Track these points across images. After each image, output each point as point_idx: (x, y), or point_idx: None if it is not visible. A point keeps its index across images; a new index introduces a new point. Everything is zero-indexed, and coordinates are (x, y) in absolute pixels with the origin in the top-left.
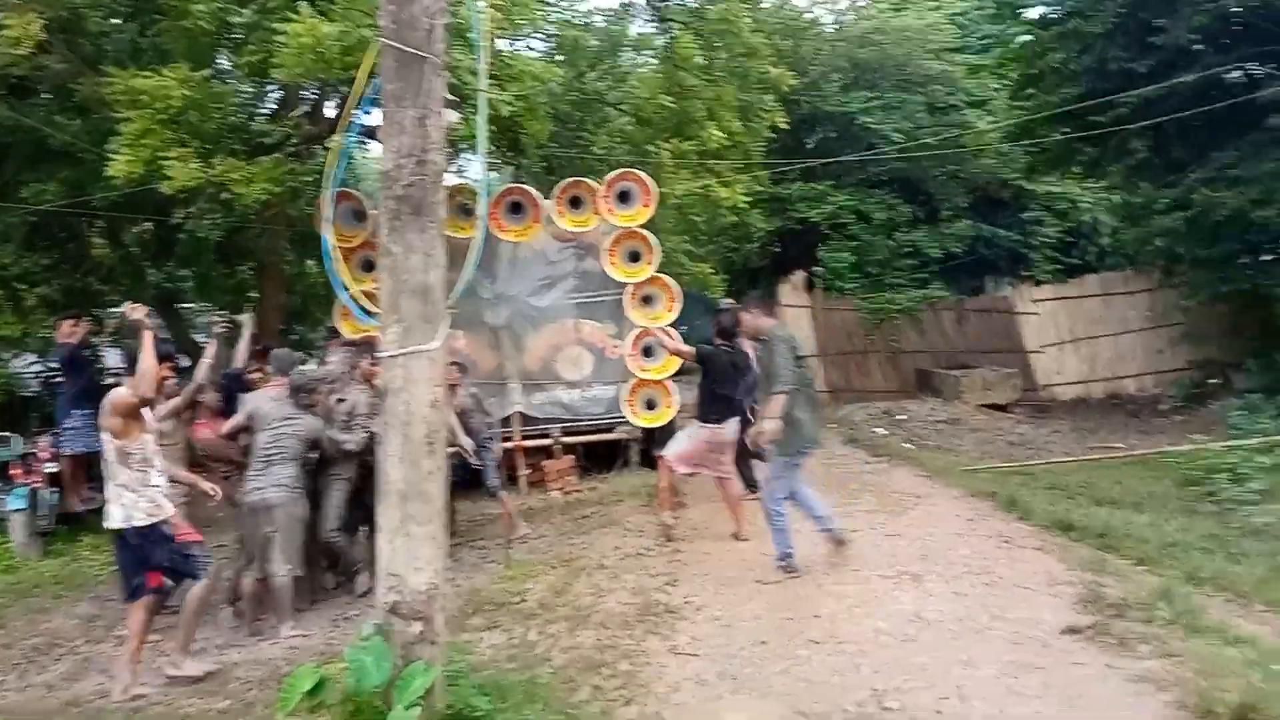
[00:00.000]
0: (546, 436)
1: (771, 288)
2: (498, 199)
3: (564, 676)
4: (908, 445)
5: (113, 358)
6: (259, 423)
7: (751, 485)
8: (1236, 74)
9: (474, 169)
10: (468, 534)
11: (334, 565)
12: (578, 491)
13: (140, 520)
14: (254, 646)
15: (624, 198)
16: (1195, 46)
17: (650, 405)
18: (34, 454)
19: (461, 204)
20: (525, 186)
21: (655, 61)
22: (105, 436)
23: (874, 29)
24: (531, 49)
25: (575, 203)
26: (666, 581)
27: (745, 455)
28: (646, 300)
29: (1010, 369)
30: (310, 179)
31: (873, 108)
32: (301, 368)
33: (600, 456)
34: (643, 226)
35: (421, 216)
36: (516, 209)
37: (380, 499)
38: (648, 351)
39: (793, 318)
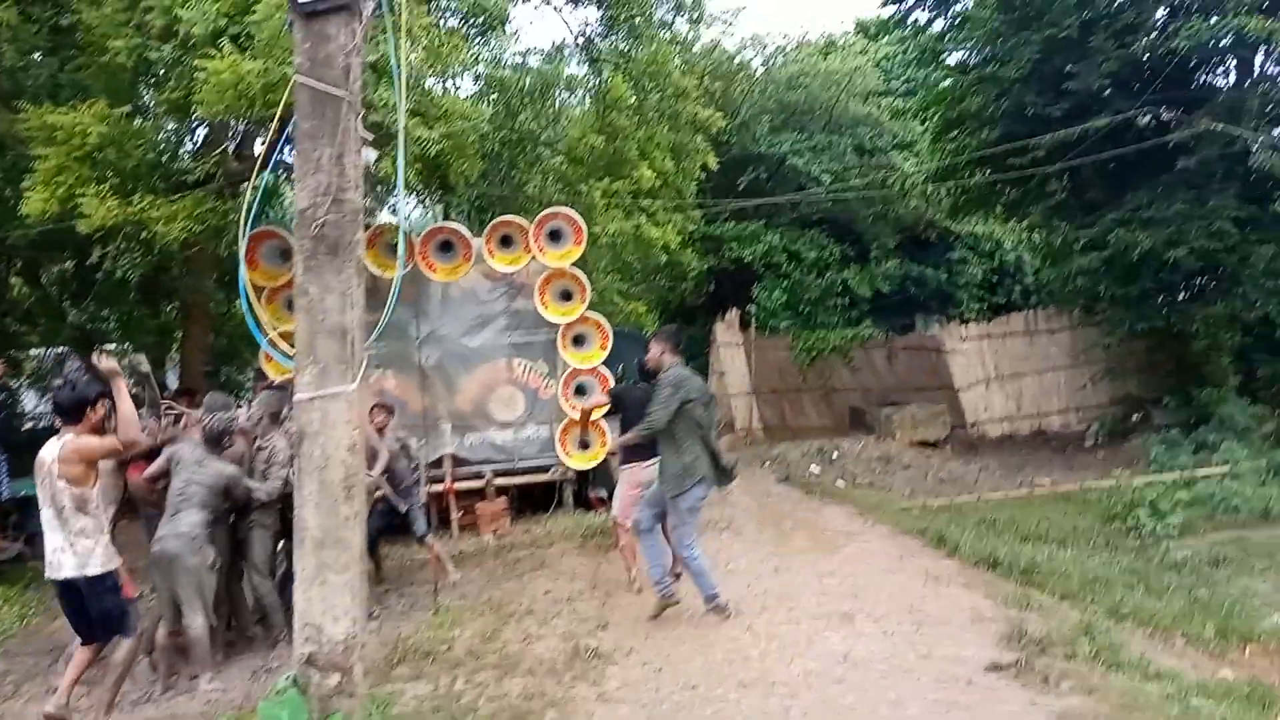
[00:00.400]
0: (479, 478)
1: (708, 326)
2: (427, 238)
3: None
4: (840, 483)
5: (31, 401)
6: (175, 469)
7: None
8: (1147, 118)
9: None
10: (397, 580)
11: (263, 617)
12: (510, 534)
13: (95, 569)
14: (168, 701)
15: (555, 237)
16: (1106, 92)
17: (584, 445)
18: None
19: (390, 243)
20: (455, 225)
21: (588, 102)
22: (62, 485)
23: (801, 72)
24: (458, 89)
25: (506, 241)
26: (597, 626)
27: None
28: (578, 340)
29: (939, 406)
30: (234, 217)
31: (802, 149)
32: (223, 414)
33: (535, 498)
34: (574, 265)
35: (338, 256)
36: (446, 248)
37: (296, 546)
38: (580, 391)
39: (727, 356)
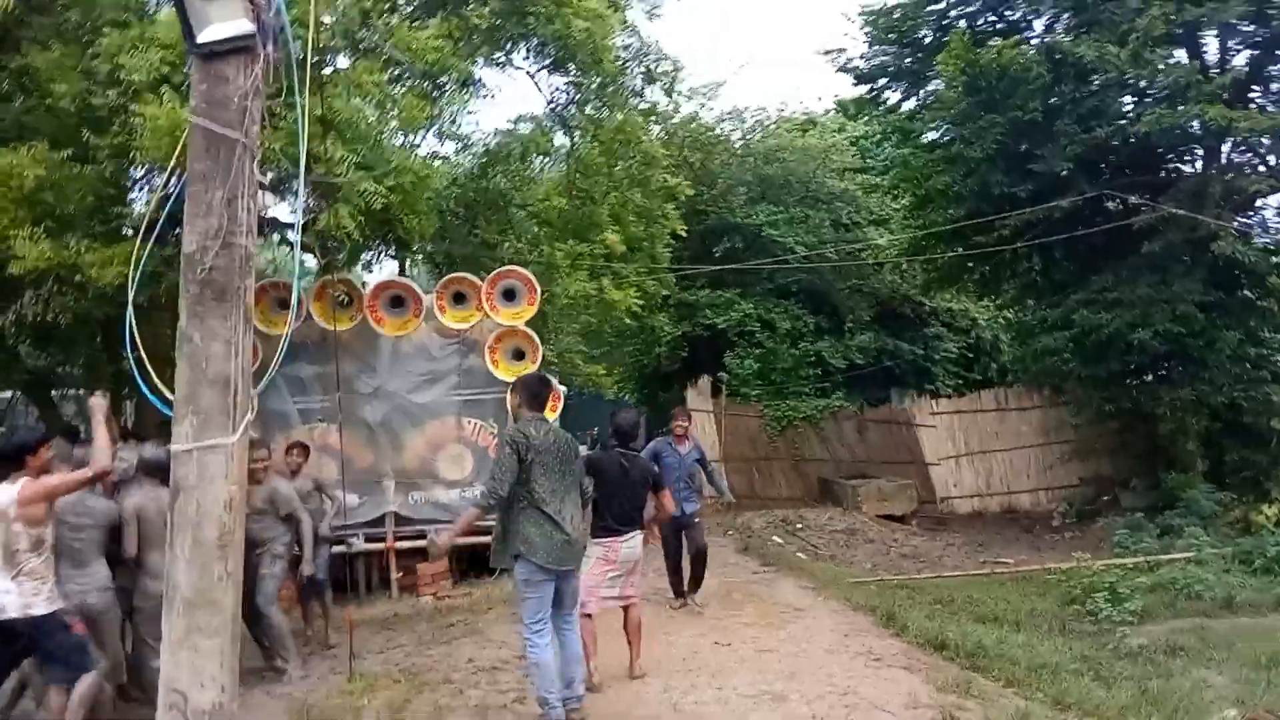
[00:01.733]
0: (422, 537)
1: (681, 392)
2: (377, 291)
3: None
4: (801, 555)
5: None
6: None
7: (680, 594)
8: (1113, 201)
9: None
10: (326, 639)
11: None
12: (450, 597)
13: (42, 609)
14: None
15: (509, 295)
16: (1071, 173)
17: None
18: None
19: (339, 296)
20: (406, 280)
21: (558, 166)
22: (19, 527)
23: (780, 146)
24: (416, 146)
25: (459, 298)
26: (515, 699)
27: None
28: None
29: (908, 480)
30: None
31: (778, 220)
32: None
33: (480, 560)
34: (531, 326)
35: (225, 302)
36: (398, 302)
37: (166, 607)
38: None
39: (699, 422)
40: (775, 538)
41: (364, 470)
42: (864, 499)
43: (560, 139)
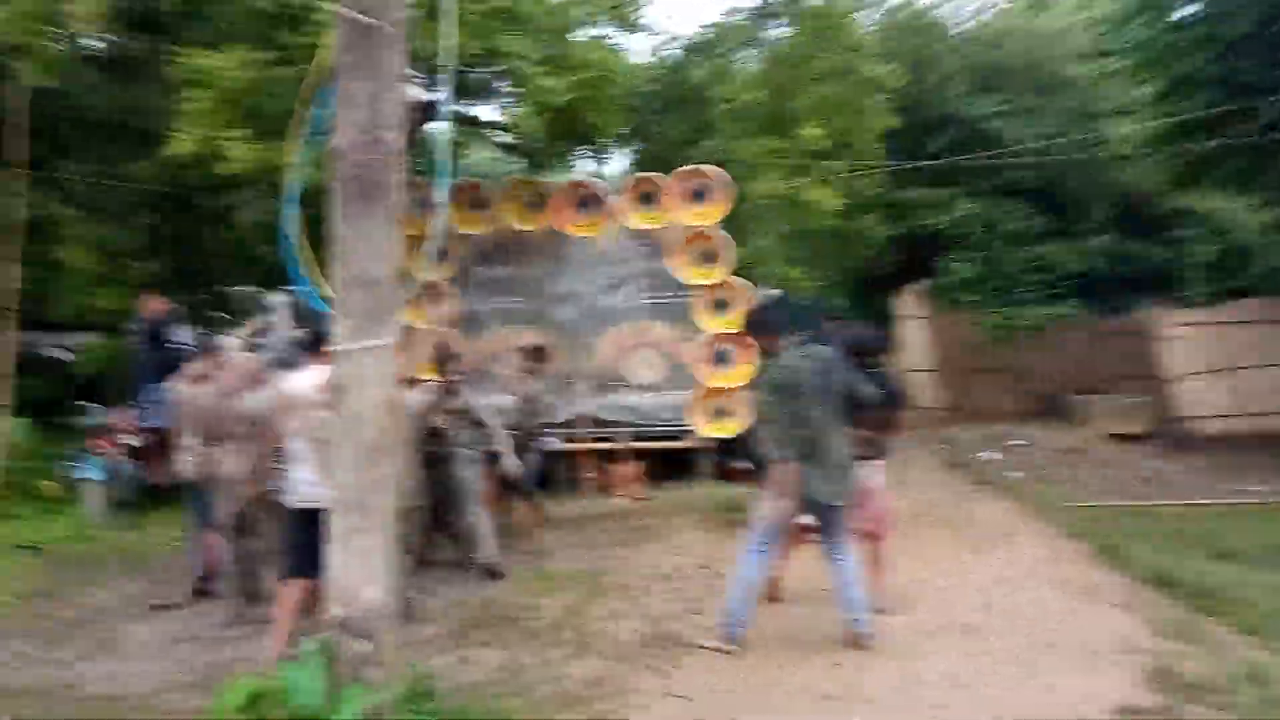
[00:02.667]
0: (613, 440)
1: (890, 297)
2: (564, 193)
3: (537, 711)
4: (1016, 474)
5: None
6: None
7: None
8: None
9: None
10: (517, 537)
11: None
12: (644, 500)
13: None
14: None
15: (698, 195)
16: None
17: (721, 414)
18: (112, 425)
19: (529, 199)
20: (593, 181)
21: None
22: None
23: (1006, 31)
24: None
25: (646, 199)
26: (690, 609)
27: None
28: (719, 305)
29: (1146, 397)
30: None
31: (1003, 111)
32: None
33: (675, 465)
34: (725, 227)
35: (373, 201)
36: (586, 204)
37: (331, 506)
38: (721, 358)
39: (909, 330)
40: (988, 454)
41: (557, 372)
42: (1093, 416)
43: (761, 31)
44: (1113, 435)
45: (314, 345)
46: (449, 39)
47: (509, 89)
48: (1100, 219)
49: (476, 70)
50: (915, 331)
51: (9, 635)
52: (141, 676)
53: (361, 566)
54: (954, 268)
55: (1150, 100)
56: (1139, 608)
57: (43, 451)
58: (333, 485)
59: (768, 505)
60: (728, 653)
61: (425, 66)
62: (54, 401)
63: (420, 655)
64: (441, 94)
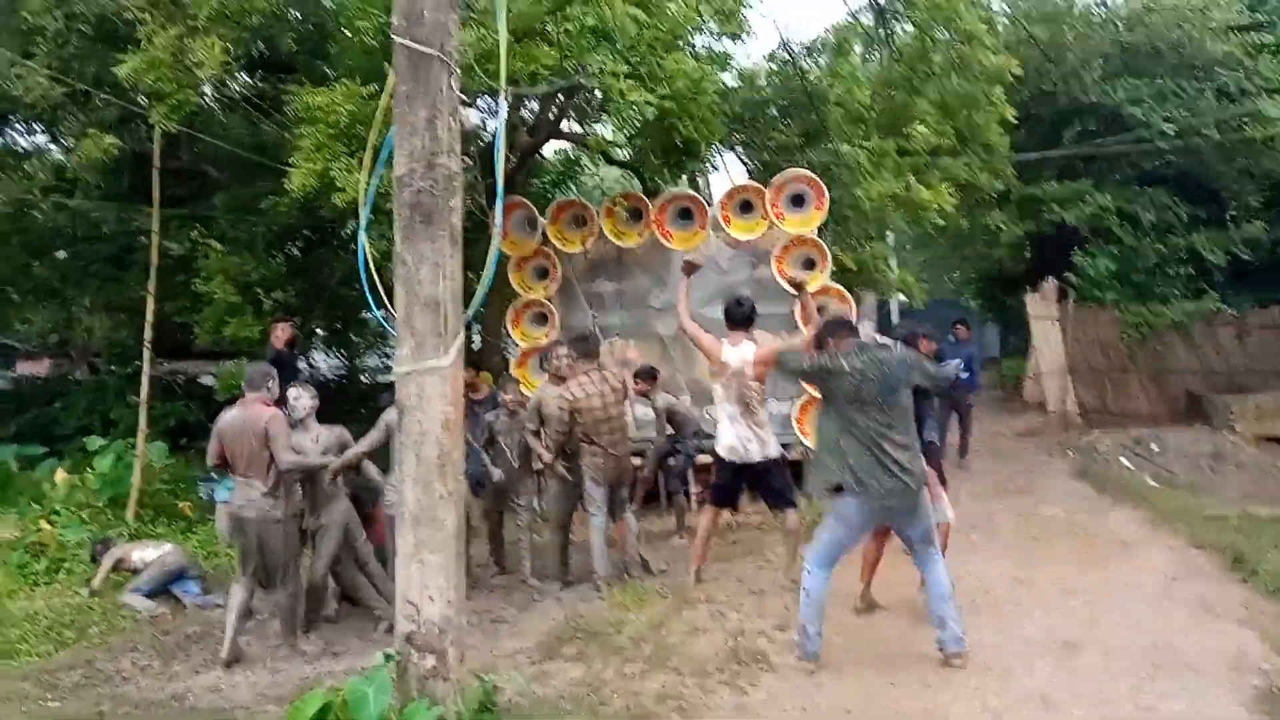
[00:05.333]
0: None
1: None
2: (664, 205)
3: None
4: (1151, 481)
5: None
6: None
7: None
8: None
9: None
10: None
11: None
12: (745, 513)
13: (775, 451)
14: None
15: (796, 201)
16: None
17: None
18: None
19: (625, 211)
20: (691, 192)
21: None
22: (754, 384)
23: (1144, 8)
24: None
25: (745, 207)
26: (775, 625)
27: None
28: (819, 311)
29: None
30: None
31: (1142, 95)
32: None
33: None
34: (837, 233)
35: (432, 225)
36: (685, 215)
37: (398, 522)
38: None
39: (1041, 330)
40: (1124, 460)
41: (661, 384)
42: (1239, 417)
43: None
44: (1260, 437)
45: (746, 321)
46: (498, 62)
47: (601, 106)
48: (1249, 205)
49: (580, 90)
50: (1048, 332)
51: (132, 649)
52: (244, 687)
53: (426, 581)
54: (1088, 263)
55: None
56: (1259, 623)
57: (185, 474)
58: (401, 502)
59: (829, 518)
60: (810, 671)
61: (510, 92)
62: (200, 425)
63: (503, 669)
64: (526, 116)
